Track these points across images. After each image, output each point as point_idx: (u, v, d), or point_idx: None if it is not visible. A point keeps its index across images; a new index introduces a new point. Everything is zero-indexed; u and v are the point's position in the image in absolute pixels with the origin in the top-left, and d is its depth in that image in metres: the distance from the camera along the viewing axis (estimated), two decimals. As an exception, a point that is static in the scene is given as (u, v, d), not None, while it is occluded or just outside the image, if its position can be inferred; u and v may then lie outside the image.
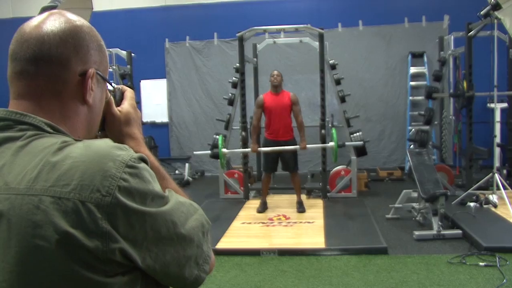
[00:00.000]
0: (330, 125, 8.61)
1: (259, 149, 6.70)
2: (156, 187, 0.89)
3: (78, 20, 0.98)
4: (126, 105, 1.11)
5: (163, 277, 0.90)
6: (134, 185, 0.83)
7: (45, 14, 0.97)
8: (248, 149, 6.94)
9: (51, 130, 0.90)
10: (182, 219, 0.91)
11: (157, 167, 1.04)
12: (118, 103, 1.12)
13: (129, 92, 1.15)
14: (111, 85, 1.08)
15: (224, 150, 6.84)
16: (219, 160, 6.92)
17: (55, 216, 0.78)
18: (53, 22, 0.94)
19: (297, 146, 6.57)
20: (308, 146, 6.63)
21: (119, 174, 0.82)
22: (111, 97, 1.09)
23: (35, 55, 0.91)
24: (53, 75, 0.92)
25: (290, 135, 6.67)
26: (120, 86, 1.15)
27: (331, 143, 6.73)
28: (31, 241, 0.78)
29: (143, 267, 0.84)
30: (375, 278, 4.33)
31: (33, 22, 0.94)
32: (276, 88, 6.57)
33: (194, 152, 8.18)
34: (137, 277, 0.86)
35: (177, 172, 10.10)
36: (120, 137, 1.07)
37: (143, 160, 0.90)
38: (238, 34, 7.39)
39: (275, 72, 6.61)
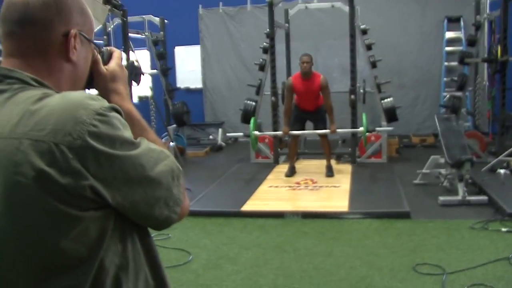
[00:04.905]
0: (362, 90, 8.56)
1: (290, 132, 6.77)
2: (126, 134, 0.98)
3: None
4: (113, 63, 1.21)
5: (134, 215, 1.00)
6: (103, 131, 0.93)
7: None
8: (280, 132, 7.04)
9: (36, 84, 1.01)
10: (151, 163, 1.00)
11: (138, 119, 1.15)
12: (106, 63, 1.21)
13: (116, 53, 1.25)
14: (95, 45, 1.17)
15: (256, 132, 6.97)
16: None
17: (32, 156, 0.89)
18: None
19: (327, 131, 6.66)
20: (338, 130, 6.75)
21: (89, 121, 0.92)
22: (98, 57, 1.19)
23: (21, 18, 1.02)
24: (38, 36, 1.03)
25: (318, 106, 6.75)
26: (109, 48, 1.25)
27: (361, 128, 6.79)
28: (13, 178, 0.89)
29: (113, 204, 0.95)
30: (394, 241, 4.39)
31: None
32: (306, 74, 6.55)
33: (227, 134, 8.32)
34: (110, 214, 0.96)
35: (211, 137, 10.26)
36: (106, 92, 1.17)
37: (115, 110, 0.99)
38: (267, 0, 7.38)
39: (305, 58, 6.51)
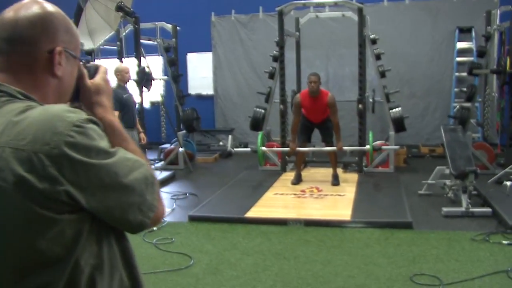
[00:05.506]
0: (371, 100, 8.60)
1: (298, 149, 6.86)
2: (102, 144, 1.06)
3: (50, 7, 1.16)
4: (98, 78, 1.30)
5: (109, 219, 1.08)
6: (79, 141, 1.01)
7: (24, 1, 1.16)
8: (287, 148, 7.13)
9: (22, 97, 1.10)
10: (125, 171, 1.07)
11: (119, 130, 1.22)
12: (92, 77, 1.30)
13: (102, 68, 1.33)
14: (81, 61, 1.26)
15: (263, 148, 7.06)
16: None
17: (13, 163, 0.98)
18: (26, 9, 1.12)
19: (334, 148, 6.74)
20: (345, 148, 6.90)
21: (66, 132, 1.00)
22: (84, 71, 1.27)
23: (9, 36, 1.11)
24: (25, 53, 1.11)
25: (325, 118, 6.83)
26: (95, 63, 1.33)
27: (367, 146, 6.87)
28: None
29: (88, 208, 1.02)
30: (394, 251, 4.42)
31: (11, 8, 1.14)
32: (314, 93, 6.62)
33: (234, 149, 8.41)
34: (86, 217, 1.04)
35: (221, 143, 10.35)
36: (90, 105, 1.25)
37: (92, 121, 1.07)
38: (277, 9, 7.47)
39: (313, 78, 6.58)
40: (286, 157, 7.86)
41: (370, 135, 6.99)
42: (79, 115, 1.06)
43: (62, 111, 1.04)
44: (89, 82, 1.28)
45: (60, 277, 1.01)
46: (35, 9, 1.12)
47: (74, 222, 1.02)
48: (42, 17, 1.12)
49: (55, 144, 0.99)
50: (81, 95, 1.28)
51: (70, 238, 1.02)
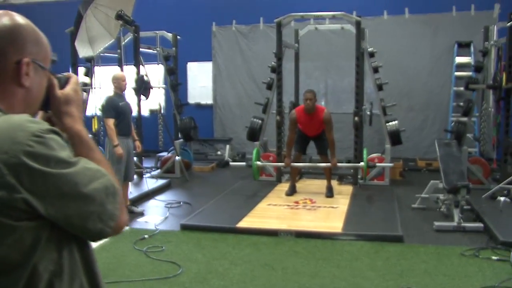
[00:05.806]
0: (368, 112, 8.62)
1: (292, 164, 6.90)
2: (62, 154, 1.08)
3: (20, 19, 1.18)
4: (68, 88, 1.32)
5: (68, 226, 1.10)
6: (38, 150, 1.03)
7: None
8: (282, 164, 7.16)
9: None
10: (85, 181, 1.10)
11: (87, 140, 1.25)
12: (63, 87, 1.32)
13: (73, 78, 1.35)
14: (50, 72, 1.28)
15: (258, 163, 7.10)
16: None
17: None
18: None
19: (328, 164, 6.76)
20: (339, 164, 6.95)
21: (25, 141, 1.03)
22: (55, 82, 1.30)
23: None
24: None
25: (321, 131, 6.83)
26: (66, 74, 1.36)
27: (362, 163, 6.90)
28: None
29: (46, 215, 1.05)
30: (383, 264, 4.42)
31: None
32: (310, 110, 6.63)
33: (230, 163, 8.44)
34: (45, 224, 1.06)
35: (218, 153, 10.37)
36: (60, 114, 1.28)
37: (53, 132, 1.10)
38: (276, 20, 7.52)
39: (308, 95, 6.59)
40: (282, 168, 7.87)
41: (365, 152, 7.01)
42: (40, 125, 1.08)
43: (23, 121, 1.07)
44: (59, 92, 1.30)
45: (18, 282, 1.03)
46: (4, 21, 1.15)
47: (33, 229, 1.04)
48: (11, 28, 1.15)
49: (14, 153, 1.01)
50: (51, 105, 1.30)
51: (28, 245, 1.04)
